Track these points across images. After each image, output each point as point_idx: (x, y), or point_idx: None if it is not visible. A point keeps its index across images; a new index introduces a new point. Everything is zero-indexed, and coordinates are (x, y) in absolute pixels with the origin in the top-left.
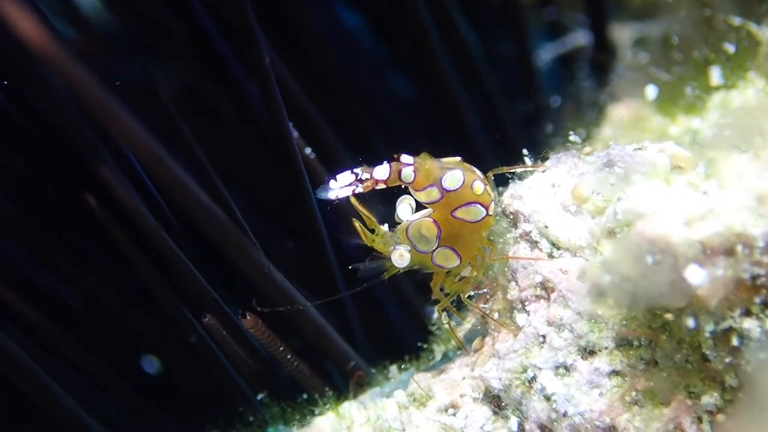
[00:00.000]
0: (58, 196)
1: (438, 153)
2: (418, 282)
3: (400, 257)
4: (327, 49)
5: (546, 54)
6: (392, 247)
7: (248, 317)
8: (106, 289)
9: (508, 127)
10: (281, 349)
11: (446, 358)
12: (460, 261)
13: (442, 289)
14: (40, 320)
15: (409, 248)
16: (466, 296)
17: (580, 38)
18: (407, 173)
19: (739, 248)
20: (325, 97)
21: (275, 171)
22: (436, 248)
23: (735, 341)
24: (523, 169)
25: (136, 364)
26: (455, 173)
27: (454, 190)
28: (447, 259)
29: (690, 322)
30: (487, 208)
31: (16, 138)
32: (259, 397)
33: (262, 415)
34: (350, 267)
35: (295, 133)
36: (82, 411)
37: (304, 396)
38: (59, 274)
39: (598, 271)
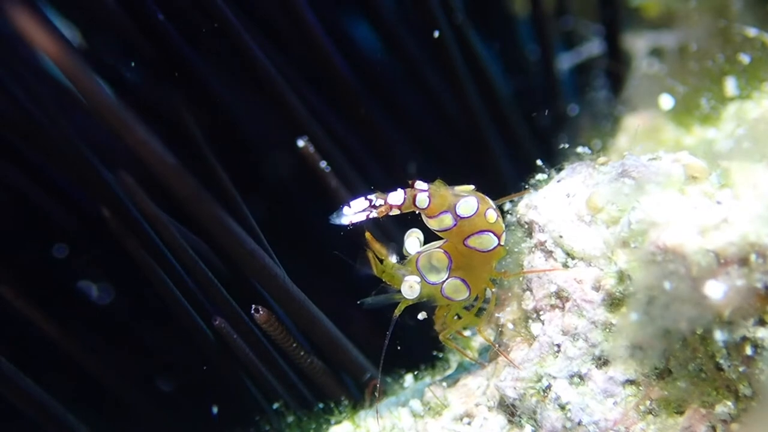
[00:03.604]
0: (72, 207)
1: (454, 172)
2: None
3: (410, 288)
4: (340, 62)
5: (564, 63)
6: (403, 278)
7: (261, 312)
8: (120, 300)
9: (525, 139)
10: (294, 345)
11: (461, 368)
12: (470, 293)
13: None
14: (53, 330)
15: (419, 280)
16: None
17: (595, 48)
18: (422, 199)
19: (753, 257)
20: (336, 111)
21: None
22: (446, 279)
23: (749, 350)
24: (518, 196)
25: (150, 375)
26: (469, 200)
27: (467, 218)
28: (457, 291)
29: (718, 335)
30: (499, 238)
31: (28, 151)
32: (275, 406)
33: (278, 424)
34: (358, 302)
35: (311, 148)
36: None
37: (320, 405)
38: (71, 285)
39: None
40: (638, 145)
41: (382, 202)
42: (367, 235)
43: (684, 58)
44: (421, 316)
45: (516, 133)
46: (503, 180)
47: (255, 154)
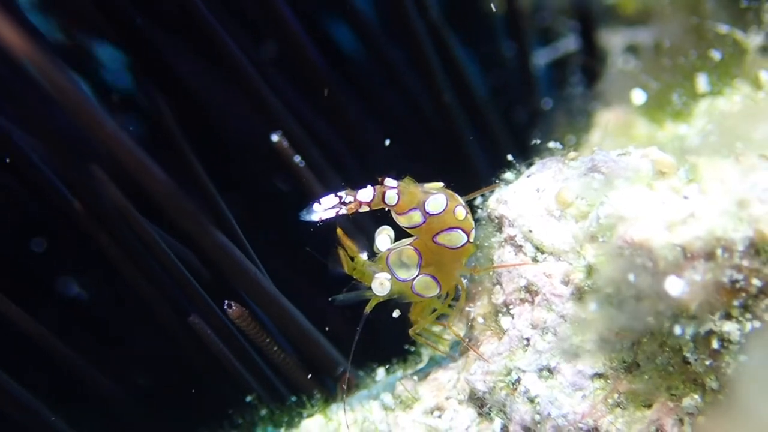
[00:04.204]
0: (44, 203)
1: (429, 167)
2: None
3: (381, 286)
4: (315, 56)
5: (540, 59)
6: (373, 276)
7: (234, 307)
8: (93, 296)
9: (500, 135)
10: (267, 340)
11: (433, 362)
12: (440, 290)
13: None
14: (27, 326)
15: (389, 277)
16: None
17: (571, 44)
18: (391, 196)
19: (719, 252)
20: (311, 106)
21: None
22: (417, 276)
23: (715, 344)
24: (487, 190)
25: (124, 369)
26: (438, 197)
27: (436, 215)
28: (427, 288)
29: (677, 330)
30: (468, 235)
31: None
32: (248, 399)
33: (251, 417)
34: (329, 299)
35: (285, 142)
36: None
37: (293, 398)
38: (44, 279)
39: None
40: (609, 141)
41: (351, 199)
42: (339, 231)
43: (658, 55)
44: (396, 313)
45: (491, 129)
46: (478, 175)
47: (230, 148)
